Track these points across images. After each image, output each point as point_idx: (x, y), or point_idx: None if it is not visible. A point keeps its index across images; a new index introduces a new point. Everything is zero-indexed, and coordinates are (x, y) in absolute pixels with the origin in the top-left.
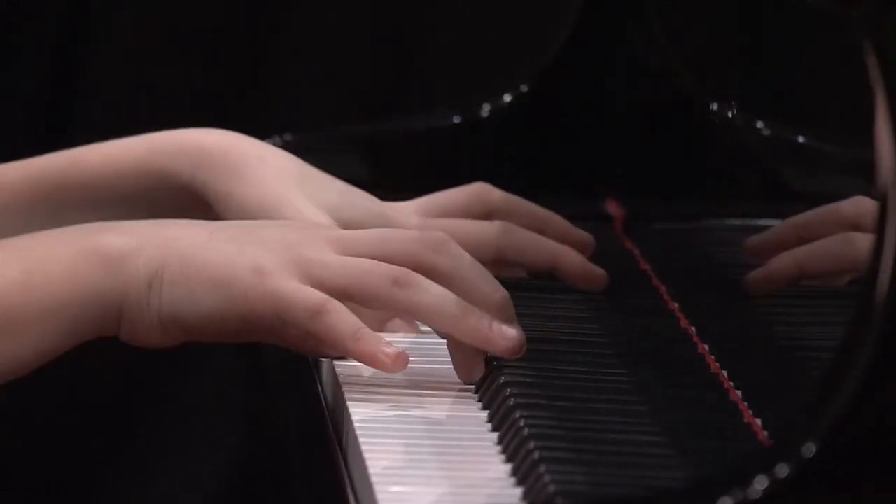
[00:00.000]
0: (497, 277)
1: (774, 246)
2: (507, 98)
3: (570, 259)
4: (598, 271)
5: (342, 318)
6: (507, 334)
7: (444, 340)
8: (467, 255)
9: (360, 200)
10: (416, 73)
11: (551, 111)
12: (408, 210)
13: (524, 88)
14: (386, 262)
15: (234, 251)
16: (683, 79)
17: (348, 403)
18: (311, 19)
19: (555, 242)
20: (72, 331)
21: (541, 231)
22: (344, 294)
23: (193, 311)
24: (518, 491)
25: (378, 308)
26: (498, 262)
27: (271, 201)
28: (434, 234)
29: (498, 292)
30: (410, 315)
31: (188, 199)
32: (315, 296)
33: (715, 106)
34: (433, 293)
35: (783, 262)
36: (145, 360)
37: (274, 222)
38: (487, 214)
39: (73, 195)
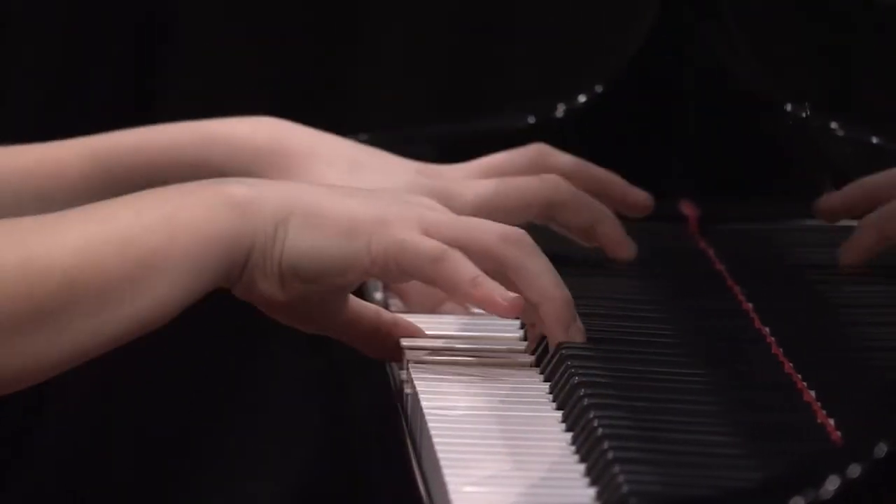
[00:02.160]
0: (574, 276)
1: (847, 207)
2: (582, 99)
3: (608, 225)
4: (630, 243)
5: (462, 265)
6: (579, 338)
7: (518, 343)
8: (541, 254)
9: (419, 179)
10: (492, 73)
11: (626, 112)
12: (465, 172)
13: (599, 89)
14: (463, 248)
15: (356, 204)
16: (757, 79)
17: (423, 404)
18: (391, 19)
19: (601, 207)
20: (208, 275)
21: (600, 193)
22: (457, 245)
23: (316, 260)
24: (591, 491)
25: (486, 264)
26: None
27: None
28: (512, 230)
29: (564, 292)
30: (512, 274)
31: None
32: (436, 244)
33: (789, 106)
34: (540, 260)
35: (864, 229)
36: (222, 359)
37: (387, 190)
38: (543, 208)
39: (138, 180)
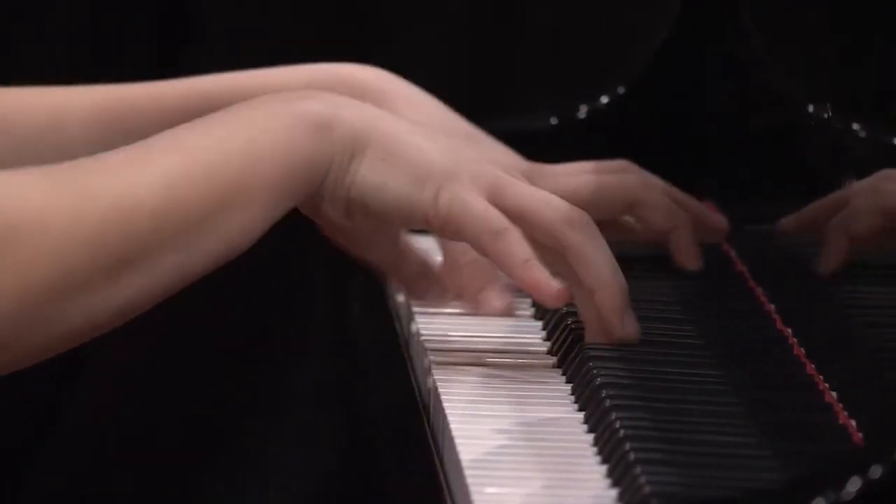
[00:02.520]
0: None
1: (804, 224)
2: (605, 100)
3: (685, 233)
4: (698, 256)
5: (518, 244)
6: (632, 327)
7: (542, 341)
8: (602, 241)
9: (506, 159)
10: (514, 74)
11: (648, 113)
12: (551, 168)
13: (621, 90)
14: (527, 220)
15: (434, 151)
16: (780, 81)
17: (445, 405)
18: (414, 18)
19: (683, 214)
20: (289, 198)
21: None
22: (520, 217)
23: (382, 199)
24: (613, 492)
25: (545, 241)
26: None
27: None
28: (578, 213)
29: (621, 280)
30: (572, 258)
31: None
32: (499, 218)
33: (811, 108)
34: (600, 246)
35: (832, 236)
36: (241, 360)
37: (466, 142)
38: (629, 204)
39: None
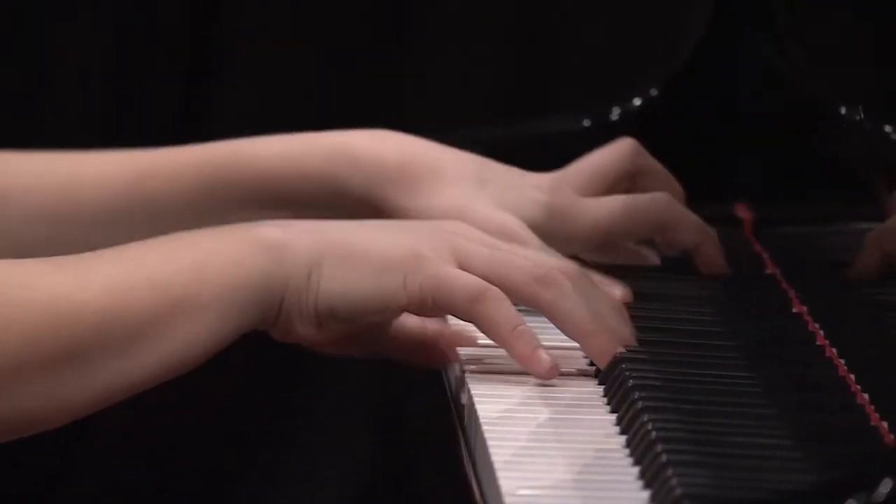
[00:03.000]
0: (630, 279)
1: (876, 270)
2: (637, 102)
3: (711, 246)
4: (725, 266)
5: (502, 308)
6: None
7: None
8: (573, 292)
9: (534, 194)
10: (548, 77)
11: (681, 115)
12: (572, 178)
13: (654, 93)
14: (496, 285)
15: (389, 239)
16: (812, 82)
17: (477, 407)
18: (446, 22)
19: (706, 227)
20: (239, 320)
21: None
22: (490, 282)
23: (351, 301)
24: (645, 494)
25: (516, 301)
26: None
27: (452, 213)
28: (545, 271)
29: (599, 326)
30: (546, 315)
31: (364, 210)
32: (475, 282)
33: (843, 110)
34: (571, 301)
35: (867, 248)
36: (275, 363)
37: (419, 221)
38: (632, 174)
39: (248, 193)
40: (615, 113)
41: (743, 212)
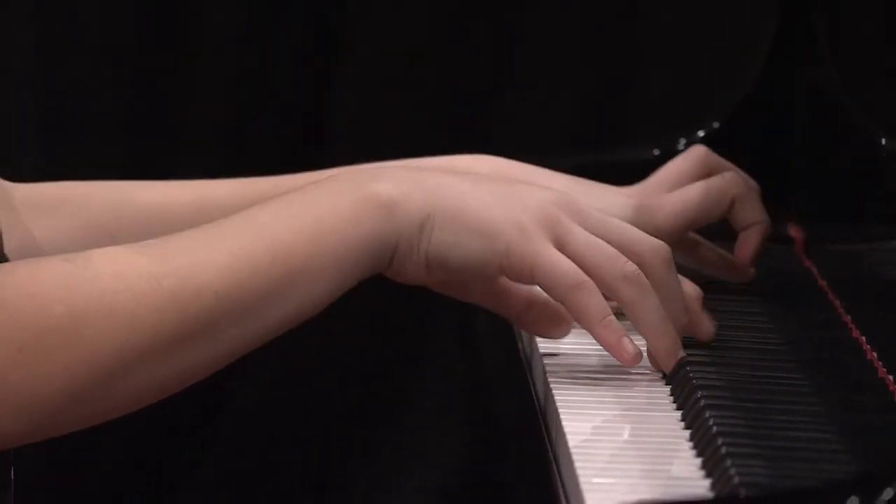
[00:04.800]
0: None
1: None
2: (701, 133)
3: (761, 230)
4: (757, 259)
5: (594, 300)
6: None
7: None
8: (653, 294)
9: (619, 199)
10: (623, 112)
11: (738, 145)
12: (654, 187)
13: (715, 125)
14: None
15: (498, 206)
16: (858, 115)
17: (558, 405)
18: (535, 66)
19: (765, 212)
20: (355, 271)
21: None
22: (579, 264)
23: (459, 256)
24: (706, 482)
25: (603, 291)
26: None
27: None
28: (633, 270)
29: (668, 329)
30: (625, 310)
31: None
32: (574, 271)
33: (884, 140)
34: (651, 301)
35: None
36: (377, 365)
37: (530, 188)
38: (732, 201)
39: None
40: (681, 143)
41: (794, 231)
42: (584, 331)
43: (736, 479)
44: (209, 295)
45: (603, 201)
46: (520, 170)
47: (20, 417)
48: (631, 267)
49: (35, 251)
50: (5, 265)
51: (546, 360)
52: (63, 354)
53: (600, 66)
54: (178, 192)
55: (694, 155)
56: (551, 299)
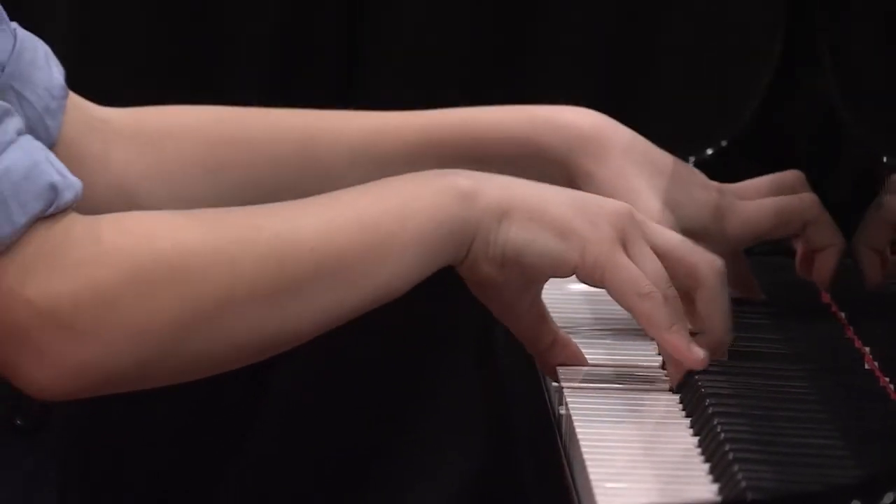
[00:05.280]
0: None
1: (875, 266)
2: (710, 151)
3: (834, 253)
4: (834, 276)
5: (663, 307)
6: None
7: (656, 355)
8: (722, 293)
9: (700, 193)
10: (638, 130)
11: (746, 163)
12: (741, 193)
13: (724, 143)
14: (669, 264)
15: (572, 208)
16: (858, 136)
17: (573, 414)
18: (539, 76)
19: (840, 236)
20: (435, 256)
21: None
22: (661, 255)
23: (535, 252)
24: (714, 487)
25: (682, 278)
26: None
27: (623, 190)
28: (715, 263)
29: (727, 335)
30: (702, 294)
31: (556, 171)
32: (644, 280)
33: (885, 158)
34: (726, 294)
35: (858, 254)
36: (397, 372)
37: (600, 198)
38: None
39: (463, 151)
40: (691, 161)
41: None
42: (595, 341)
43: (743, 484)
44: (305, 250)
45: (688, 193)
46: (621, 128)
47: (131, 345)
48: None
49: (133, 186)
50: (113, 215)
51: (560, 369)
52: (171, 287)
53: (617, 88)
54: (287, 126)
55: (789, 175)
56: (573, 343)
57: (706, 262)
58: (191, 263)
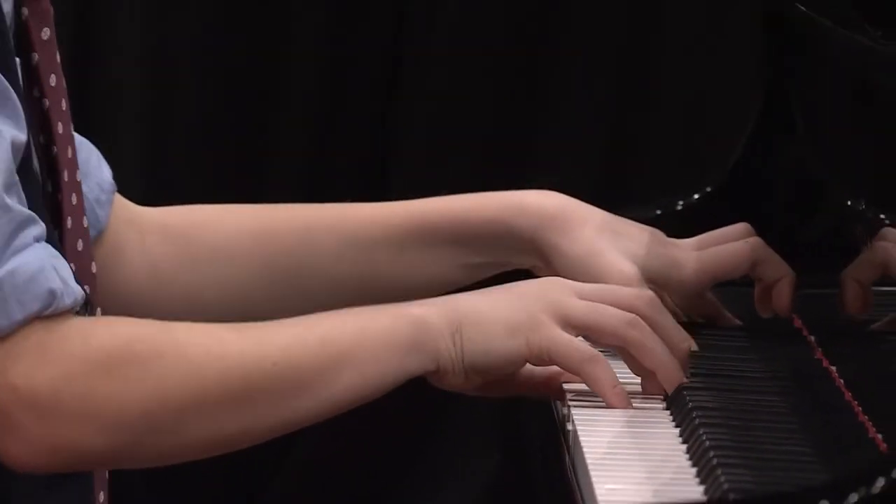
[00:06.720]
0: (691, 329)
1: (857, 298)
2: (696, 196)
3: (788, 283)
4: (792, 306)
5: (606, 371)
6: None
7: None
8: (653, 333)
9: (658, 248)
10: (630, 178)
11: (728, 208)
12: (689, 246)
13: (709, 189)
14: (595, 332)
15: (509, 307)
16: (827, 183)
17: (577, 426)
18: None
19: (788, 268)
20: (393, 370)
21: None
22: (587, 329)
23: (488, 358)
24: (701, 488)
25: (610, 342)
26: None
27: (589, 256)
28: (631, 317)
29: (672, 361)
30: (633, 351)
31: (526, 246)
32: (585, 348)
33: (850, 202)
34: (653, 338)
35: (845, 285)
36: (414, 390)
37: (530, 283)
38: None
39: (443, 235)
40: (679, 204)
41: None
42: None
43: (725, 486)
44: (268, 363)
45: (648, 249)
46: (578, 204)
47: (103, 433)
48: (629, 315)
49: (164, 270)
50: (107, 319)
51: (566, 386)
52: (141, 383)
53: (612, 138)
54: (288, 217)
55: (738, 226)
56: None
57: (638, 298)
58: (163, 368)
